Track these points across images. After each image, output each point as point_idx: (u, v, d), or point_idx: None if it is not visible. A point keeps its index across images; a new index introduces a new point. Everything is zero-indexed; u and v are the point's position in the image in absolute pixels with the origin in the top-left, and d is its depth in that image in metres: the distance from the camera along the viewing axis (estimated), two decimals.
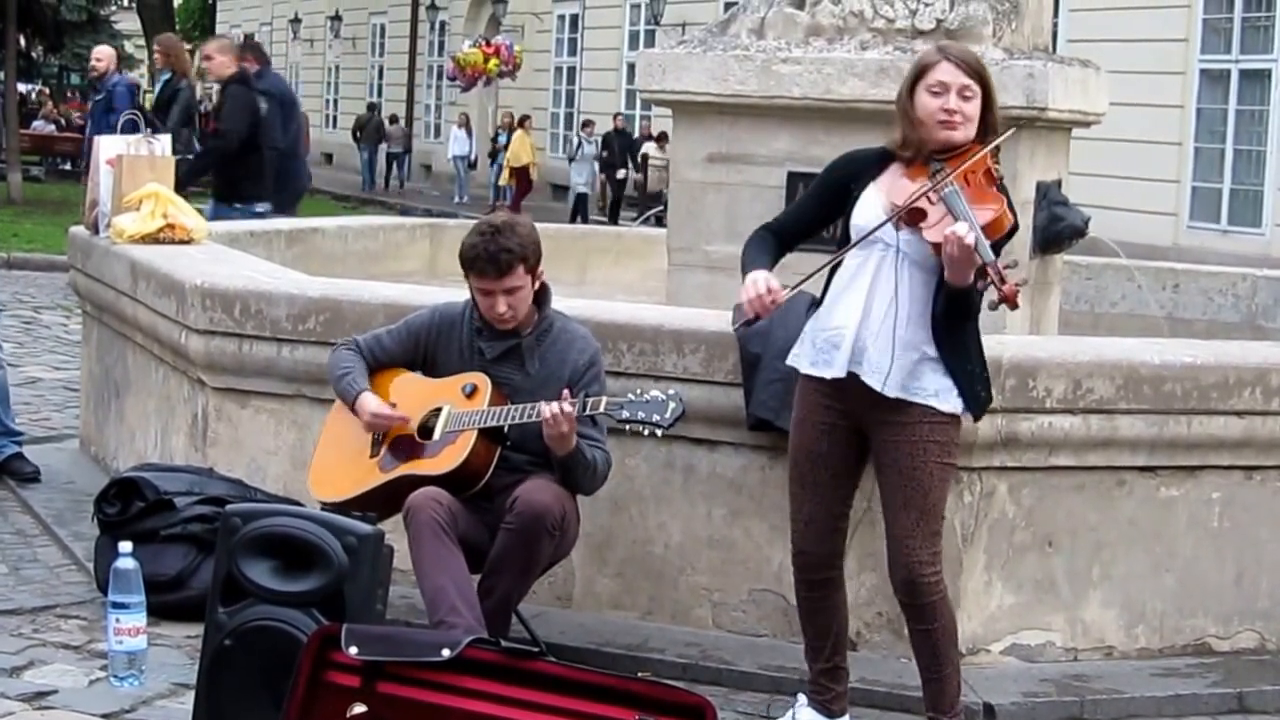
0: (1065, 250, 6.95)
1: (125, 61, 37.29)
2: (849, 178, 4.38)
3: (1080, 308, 8.43)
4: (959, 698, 4.42)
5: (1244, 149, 19.66)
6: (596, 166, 28.32)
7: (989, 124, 4.29)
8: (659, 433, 4.53)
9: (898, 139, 4.32)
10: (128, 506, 5.41)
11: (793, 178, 6.41)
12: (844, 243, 4.32)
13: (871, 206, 4.27)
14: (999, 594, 5.11)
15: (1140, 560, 5.23)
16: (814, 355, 4.34)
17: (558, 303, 4.92)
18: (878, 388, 4.21)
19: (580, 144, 28.37)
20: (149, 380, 6.56)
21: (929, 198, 4.13)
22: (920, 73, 4.29)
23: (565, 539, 4.73)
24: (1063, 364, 5.05)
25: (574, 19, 33.45)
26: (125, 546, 4.70)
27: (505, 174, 30.33)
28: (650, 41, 26.91)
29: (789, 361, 4.49)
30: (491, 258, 4.65)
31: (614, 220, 25.96)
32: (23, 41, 30.70)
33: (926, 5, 6.45)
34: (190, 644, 4.88)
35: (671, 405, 4.49)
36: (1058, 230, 6.59)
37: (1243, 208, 19.49)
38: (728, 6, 13.58)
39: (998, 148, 4.30)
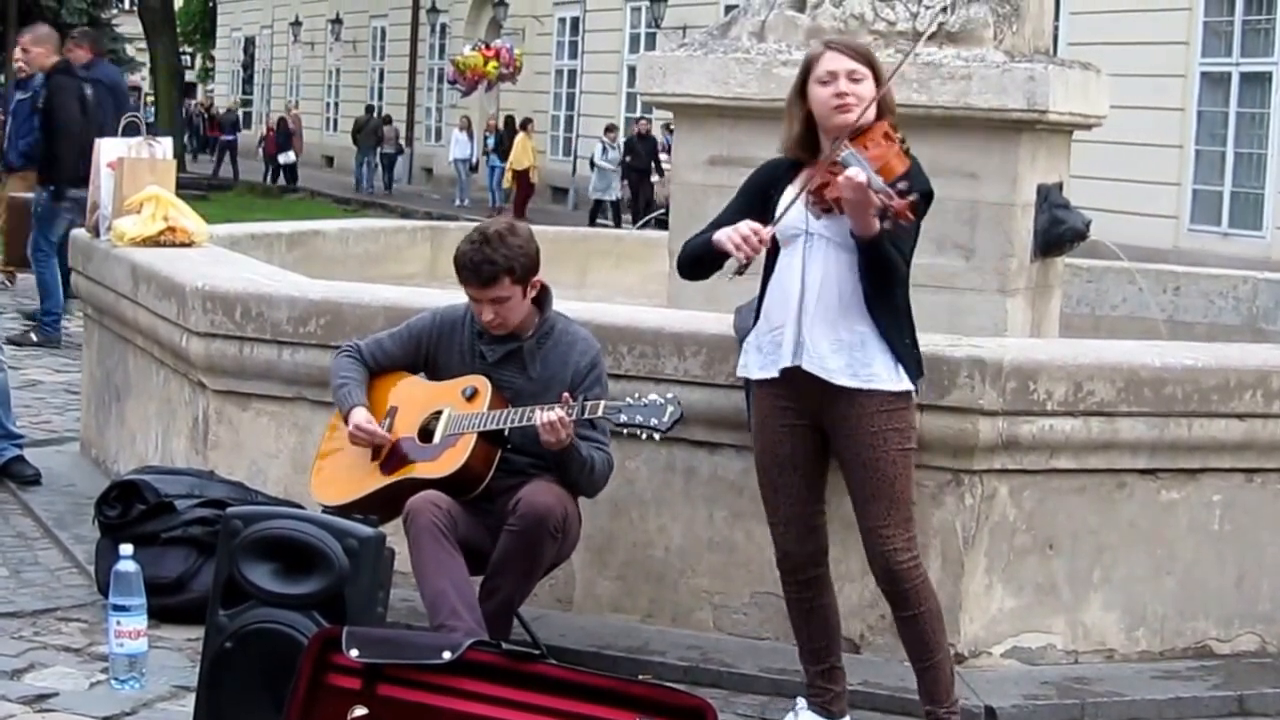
0: (1066, 253, 6.94)
1: (127, 64, 37.28)
2: (769, 184, 4.45)
3: (1081, 310, 8.43)
4: (954, 687, 4.44)
5: (1244, 152, 19.67)
6: (620, 173, 27.01)
7: (886, 105, 4.35)
8: (657, 436, 4.54)
9: (787, 144, 4.40)
10: (128, 509, 5.41)
11: None
12: (773, 251, 4.37)
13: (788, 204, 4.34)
14: (1000, 597, 5.11)
15: (1141, 563, 5.23)
16: (761, 360, 4.39)
17: (557, 305, 4.92)
18: (820, 374, 4.24)
19: (604, 150, 27.51)
20: (150, 383, 6.56)
21: (831, 170, 4.18)
22: (807, 69, 4.36)
23: (567, 541, 4.73)
24: (1063, 366, 5.05)
25: (574, 22, 33.45)
26: (126, 549, 4.70)
27: (508, 176, 30.29)
28: (651, 44, 26.88)
29: (739, 374, 4.55)
30: (475, 268, 4.66)
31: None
32: None
33: (927, 8, 6.46)
34: (191, 646, 4.88)
35: (670, 409, 4.49)
36: (1059, 233, 6.59)
37: (1243, 210, 19.50)
38: (728, 9, 13.57)
39: (895, 125, 4.34)
